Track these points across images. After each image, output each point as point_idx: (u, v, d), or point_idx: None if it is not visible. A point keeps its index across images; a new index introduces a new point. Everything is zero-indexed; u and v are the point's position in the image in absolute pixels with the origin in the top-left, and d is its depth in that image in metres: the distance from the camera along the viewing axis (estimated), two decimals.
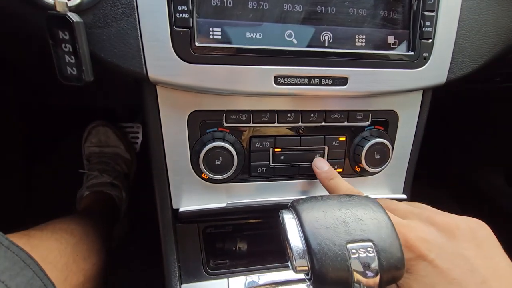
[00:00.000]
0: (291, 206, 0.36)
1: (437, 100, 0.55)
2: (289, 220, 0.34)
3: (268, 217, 0.52)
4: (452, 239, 0.35)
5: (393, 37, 0.46)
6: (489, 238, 0.35)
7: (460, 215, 0.37)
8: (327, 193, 0.53)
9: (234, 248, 0.58)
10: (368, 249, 0.30)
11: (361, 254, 0.30)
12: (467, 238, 0.35)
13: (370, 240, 0.31)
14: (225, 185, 0.50)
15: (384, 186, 0.56)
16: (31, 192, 1.23)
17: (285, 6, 0.42)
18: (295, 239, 0.32)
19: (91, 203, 1.00)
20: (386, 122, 0.52)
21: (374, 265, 0.30)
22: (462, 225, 0.36)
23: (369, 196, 0.40)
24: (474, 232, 0.35)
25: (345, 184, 0.45)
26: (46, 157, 1.31)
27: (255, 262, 0.56)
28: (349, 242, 0.30)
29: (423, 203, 0.41)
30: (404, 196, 0.56)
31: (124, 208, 1.09)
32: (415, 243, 0.34)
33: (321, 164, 0.49)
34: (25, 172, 1.23)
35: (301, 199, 0.36)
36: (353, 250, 0.30)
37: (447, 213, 0.38)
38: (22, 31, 0.46)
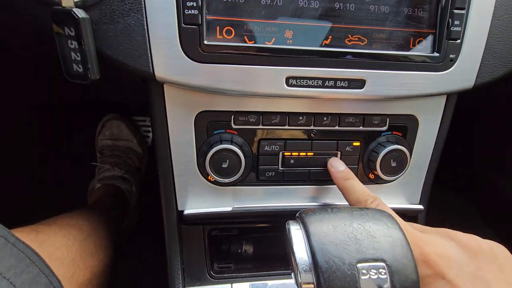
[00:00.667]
0: (299, 217, 0.34)
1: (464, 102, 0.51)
2: (295, 232, 0.32)
3: (275, 221, 0.50)
4: (474, 258, 0.32)
5: (416, 36, 0.43)
6: (509, 262, 0.33)
7: (482, 225, 0.35)
8: (338, 201, 0.51)
9: (239, 251, 0.57)
10: (380, 270, 0.28)
11: (372, 275, 0.28)
12: (489, 259, 0.32)
13: (383, 260, 0.29)
14: (232, 188, 0.48)
15: (399, 195, 0.53)
16: (45, 184, 1.26)
17: (301, 2, 0.39)
18: (301, 253, 0.30)
19: (101, 196, 1.02)
20: (404, 128, 0.49)
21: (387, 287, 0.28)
22: (484, 245, 0.33)
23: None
24: (495, 254, 0.33)
25: (361, 187, 0.43)
26: (61, 150, 1.34)
27: (261, 267, 0.54)
28: (359, 262, 0.28)
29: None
30: (420, 206, 0.53)
31: (134, 201, 1.10)
32: (434, 259, 0.32)
33: (337, 164, 0.47)
34: (40, 164, 1.26)
35: (310, 210, 0.34)
36: (364, 271, 0.28)
37: (468, 234, 0.35)
38: (33, 28, 0.46)
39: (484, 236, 0.35)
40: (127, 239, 1.06)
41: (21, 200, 1.10)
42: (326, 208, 0.34)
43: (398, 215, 0.51)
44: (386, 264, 0.28)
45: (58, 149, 1.31)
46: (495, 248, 0.33)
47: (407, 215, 0.53)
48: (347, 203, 0.51)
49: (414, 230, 0.35)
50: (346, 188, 0.44)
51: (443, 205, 1.27)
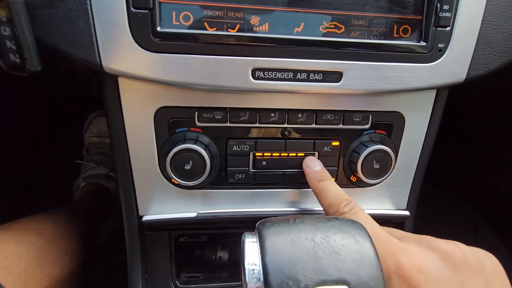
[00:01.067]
0: (257, 228, 0.29)
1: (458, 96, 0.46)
2: (250, 245, 0.28)
3: (247, 229, 0.46)
4: (457, 272, 0.28)
5: (401, 23, 0.38)
6: (498, 275, 0.29)
7: (482, 226, 0.31)
8: (316, 206, 0.46)
9: (214, 258, 0.53)
10: None
11: None
12: (474, 273, 0.28)
13: (346, 283, 0.24)
14: (199, 191, 0.44)
15: (384, 199, 0.48)
16: (31, 183, 1.23)
17: None
18: (252, 272, 0.26)
19: (85, 195, 0.99)
20: (389, 126, 0.44)
21: None
22: (470, 256, 0.29)
23: (366, 211, 0.34)
24: (482, 266, 0.29)
25: (335, 189, 0.39)
26: (48, 147, 1.31)
27: (234, 275, 0.50)
28: (317, 285, 0.24)
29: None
30: (407, 213, 0.48)
31: (119, 201, 1.06)
32: (410, 273, 0.28)
33: (312, 163, 0.43)
34: (25, 162, 1.23)
35: (270, 220, 0.30)
36: None
37: (452, 241, 0.31)
38: None
39: (482, 237, 0.31)
40: (110, 241, 1.02)
41: (4, 199, 1.07)
42: (288, 218, 0.30)
43: (382, 222, 0.46)
44: None
45: (44, 147, 1.28)
46: (483, 259, 0.30)
47: (392, 222, 0.49)
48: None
49: (390, 237, 0.32)
50: (319, 190, 0.39)
51: (440, 206, 1.22)
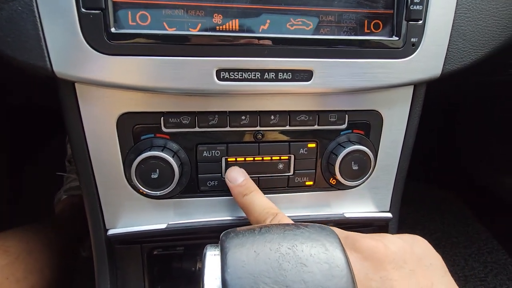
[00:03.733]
0: (220, 239, 0.27)
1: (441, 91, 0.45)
2: (211, 259, 0.26)
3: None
4: (379, 269, 0.28)
5: (372, 18, 0.37)
6: (427, 256, 0.29)
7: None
8: (295, 211, 0.44)
9: (192, 269, 0.51)
10: None
11: None
12: (398, 264, 0.28)
13: None
14: (170, 201, 0.42)
15: (366, 202, 0.46)
16: (17, 192, 1.19)
17: None
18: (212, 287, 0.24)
19: (65, 207, 0.95)
20: (366, 125, 0.43)
21: None
22: (393, 247, 0.29)
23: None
24: (407, 255, 0.29)
25: (261, 202, 0.36)
26: (33, 157, 1.27)
27: None
28: None
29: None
30: (389, 215, 0.46)
31: None
32: None
33: (234, 175, 0.39)
34: (11, 171, 1.19)
35: (235, 230, 0.28)
36: None
37: (380, 234, 0.31)
38: None
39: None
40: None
41: None
42: (254, 227, 0.28)
43: (365, 225, 0.44)
44: None
45: (28, 158, 1.24)
46: (409, 247, 0.29)
47: (375, 225, 0.47)
48: (306, 214, 0.45)
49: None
50: (245, 206, 0.37)
51: (432, 203, 1.21)
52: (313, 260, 0.24)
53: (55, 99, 0.37)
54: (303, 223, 0.29)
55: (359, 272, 0.27)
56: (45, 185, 1.14)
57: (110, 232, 0.40)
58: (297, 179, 0.43)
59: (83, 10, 0.31)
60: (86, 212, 0.41)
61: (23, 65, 0.32)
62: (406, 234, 0.31)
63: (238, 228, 0.28)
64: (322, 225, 0.29)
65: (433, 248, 0.30)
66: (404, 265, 0.28)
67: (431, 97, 0.44)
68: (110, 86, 0.34)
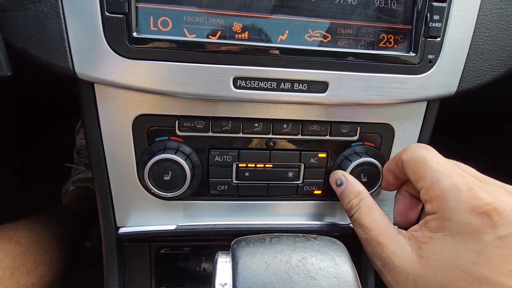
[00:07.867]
0: (231, 247, 0.28)
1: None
2: (222, 266, 0.26)
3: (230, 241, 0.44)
4: None
5: (389, 33, 0.37)
6: None
7: None
8: (302, 219, 0.45)
9: (197, 269, 0.51)
10: None
11: None
12: None
13: None
14: (180, 202, 0.42)
15: None
16: (23, 180, 1.21)
17: None
18: None
19: (73, 199, 0.97)
20: (378, 138, 0.43)
21: None
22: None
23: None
24: None
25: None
26: (40, 146, 1.29)
27: None
28: None
29: None
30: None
31: None
32: (486, 208, 0.27)
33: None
34: (18, 159, 1.21)
35: (246, 239, 0.28)
36: None
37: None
38: None
39: None
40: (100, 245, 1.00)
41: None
42: (264, 237, 0.28)
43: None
44: None
45: (36, 149, 1.26)
46: None
47: None
48: (313, 222, 0.45)
49: (468, 176, 0.30)
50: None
51: None
52: (323, 274, 0.25)
53: (69, 89, 0.38)
54: (312, 235, 0.30)
55: None
56: (51, 175, 1.16)
57: (121, 230, 0.41)
58: (306, 187, 0.43)
59: (107, 14, 0.32)
60: (98, 209, 0.42)
61: (46, 64, 0.32)
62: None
63: (249, 237, 0.28)
64: (332, 238, 0.29)
65: None
66: None
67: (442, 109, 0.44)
68: (129, 89, 0.35)
